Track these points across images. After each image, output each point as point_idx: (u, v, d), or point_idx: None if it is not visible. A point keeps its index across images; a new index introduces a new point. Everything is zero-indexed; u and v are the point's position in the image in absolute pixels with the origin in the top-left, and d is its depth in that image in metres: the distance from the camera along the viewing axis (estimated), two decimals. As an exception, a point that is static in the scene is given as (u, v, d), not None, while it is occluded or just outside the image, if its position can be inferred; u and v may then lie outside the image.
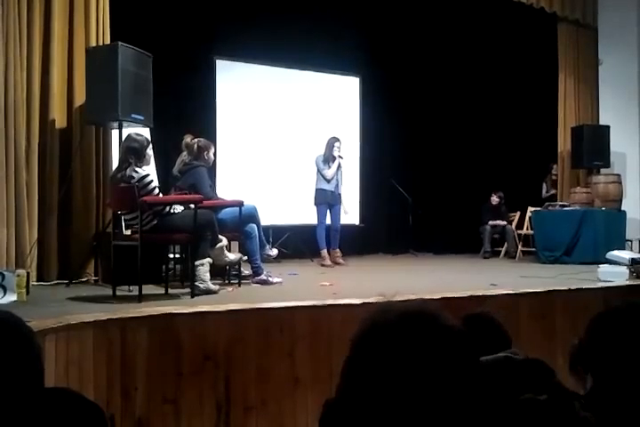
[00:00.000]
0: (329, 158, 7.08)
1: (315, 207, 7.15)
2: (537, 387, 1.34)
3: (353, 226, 8.51)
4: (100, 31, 5.35)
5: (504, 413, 1.16)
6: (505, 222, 8.76)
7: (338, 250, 7.17)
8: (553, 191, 8.87)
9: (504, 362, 1.50)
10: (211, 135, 6.95)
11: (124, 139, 4.59)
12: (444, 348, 0.97)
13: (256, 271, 5.03)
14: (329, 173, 7.04)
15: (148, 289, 4.20)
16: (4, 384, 1.09)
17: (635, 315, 1.26)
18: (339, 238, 7.15)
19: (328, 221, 7.13)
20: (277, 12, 7.76)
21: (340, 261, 7.10)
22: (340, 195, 7.21)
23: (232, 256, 4.77)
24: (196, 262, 4.29)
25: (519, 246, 8.50)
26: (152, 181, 4.29)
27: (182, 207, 4.42)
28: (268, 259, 5.50)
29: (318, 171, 7.10)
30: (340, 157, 7.10)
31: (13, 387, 1.09)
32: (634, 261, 5.42)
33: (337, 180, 7.13)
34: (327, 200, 7.08)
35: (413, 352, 0.96)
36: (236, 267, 5.04)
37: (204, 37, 7.57)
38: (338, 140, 7.14)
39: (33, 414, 1.11)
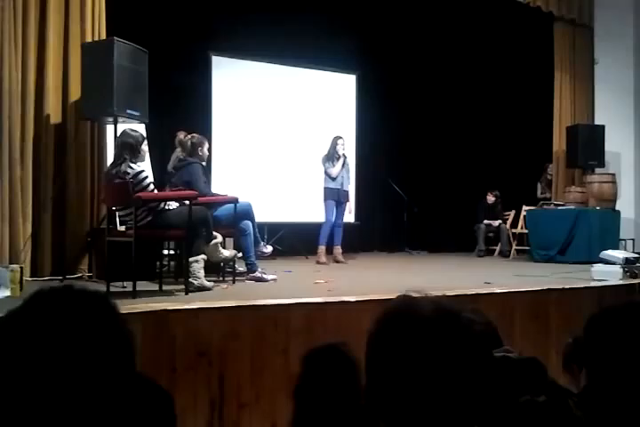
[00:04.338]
0: (333, 157, 7.09)
1: (320, 205, 7.15)
2: (534, 387, 1.35)
3: (348, 224, 8.50)
4: (96, 26, 5.33)
5: (505, 414, 1.17)
6: (499, 222, 8.79)
7: (339, 247, 7.16)
8: (548, 195, 8.87)
9: (501, 362, 1.50)
10: (206, 131, 6.94)
11: (119, 134, 4.57)
12: (471, 346, 0.98)
13: (250, 268, 5.03)
14: (334, 171, 7.05)
15: (142, 285, 4.18)
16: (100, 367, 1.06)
17: (632, 314, 1.26)
18: (341, 235, 7.15)
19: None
20: (274, 9, 7.74)
21: (341, 258, 7.10)
22: (346, 192, 7.22)
23: (226, 253, 4.75)
24: (191, 259, 4.29)
25: (513, 245, 8.52)
26: (147, 177, 4.27)
27: (177, 204, 4.41)
28: (262, 256, 5.49)
29: (324, 170, 7.11)
30: (344, 155, 7.11)
31: (108, 370, 1.07)
32: (627, 261, 5.43)
33: (343, 177, 7.14)
34: (334, 198, 7.08)
35: (441, 349, 0.97)
36: (231, 264, 5.03)
37: (200, 33, 7.56)
38: (340, 137, 7.17)
39: (120, 399, 1.09)
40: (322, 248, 7.06)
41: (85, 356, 1.03)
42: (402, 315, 1.04)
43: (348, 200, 7.27)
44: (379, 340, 1.05)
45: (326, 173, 7.09)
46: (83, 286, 1.14)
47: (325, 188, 7.11)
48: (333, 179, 7.06)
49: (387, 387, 1.01)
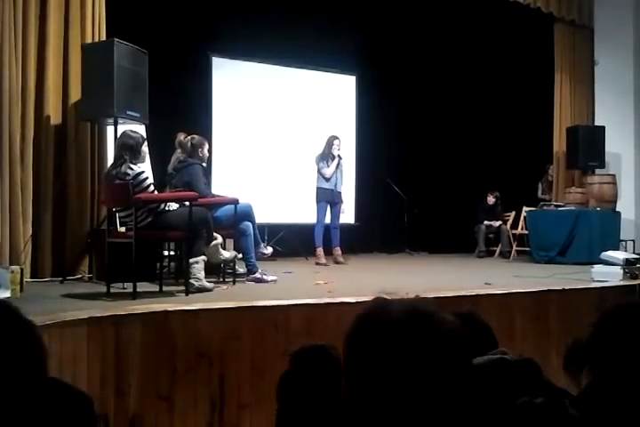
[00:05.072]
0: (327, 156, 7.07)
1: (315, 205, 7.14)
2: (530, 388, 1.35)
3: (348, 225, 8.50)
4: (96, 27, 5.33)
5: (502, 416, 1.16)
6: (499, 223, 8.79)
7: (338, 248, 7.15)
8: (548, 197, 8.86)
9: (497, 363, 1.50)
10: (206, 133, 6.94)
11: (119, 135, 4.57)
12: (442, 346, 0.97)
13: (251, 269, 5.03)
14: (328, 171, 7.03)
15: (143, 286, 4.18)
16: (6, 372, 1.07)
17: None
18: (339, 236, 7.15)
19: (327, 220, 7.12)
20: (274, 10, 7.75)
21: (341, 259, 7.09)
22: (340, 193, 7.20)
23: (227, 254, 4.76)
24: (191, 260, 4.28)
25: (514, 246, 8.52)
26: (147, 178, 4.27)
27: (177, 205, 4.40)
28: (262, 257, 5.49)
29: (318, 169, 7.09)
30: (339, 156, 7.09)
31: (15, 375, 1.08)
32: (628, 262, 5.43)
33: (336, 178, 7.13)
34: (327, 198, 7.07)
35: (412, 349, 0.96)
36: (231, 265, 5.03)
37: (201, 34, 7.56)
38: (337, 138, 7.13)
39: (30, 403, 1.10)
40: (319, 250, 7.05)
41: None
42: (373, 317, 1.04)
43: (341, 201, 7.25)
44: (352, 343, 1.04)
45: (320, 172, 7.06)
46: None
47: (319, 188, 7.08)
48: (327, 179, 7.04)
49: (361, 389, 1.00)
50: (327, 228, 7.11)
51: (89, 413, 1.25)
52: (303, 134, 8.38)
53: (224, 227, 4.91)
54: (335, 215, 7.16)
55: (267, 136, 8.27)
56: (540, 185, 9.17)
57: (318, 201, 7.09)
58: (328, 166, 7.04)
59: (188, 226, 4.17)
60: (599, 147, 8.33)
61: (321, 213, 7.07)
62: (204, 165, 5.40)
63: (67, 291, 4.23)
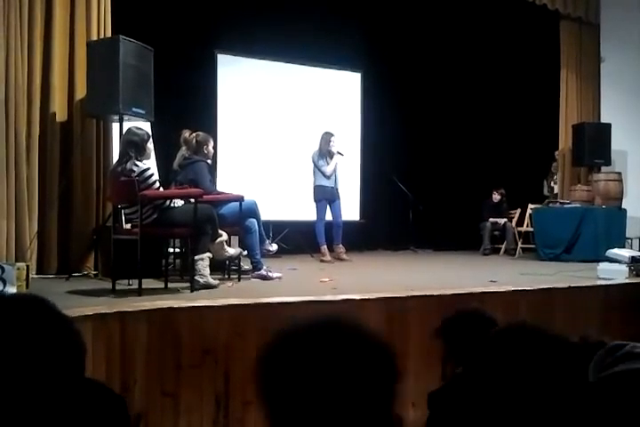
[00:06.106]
0: (325, 154, 7.05)
1: (314, 203, 7.14)
2: None
3: (353, 222, 8.50)
4: (102, 24, 5.34)
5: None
6: (505, 220, 8.77)
7: (341, 246, 7.15)
8: (553, 194, 8.83)
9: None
10: (211, 130, 6.94)
11: (124, 132, 4.58)
12: (346, 358, 0.96)
13: (256, 266, 5.03)
14: (328, 169, 7.01)
15: (148, 283, 4.19)
16: (47, 369, 1.07)
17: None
18: (341, 234, 7.14)
19: (328, 217, 7.12)
20: (279, 7, 7.74)
21: (344, 256, 7.08)
22: (337, 190, 7.20)
23: (232, 251, 4.77)
24: (196, 257, 4.29)
25: (519, 244, 8.50)
26: (152, 174, 4.28)
27: (182, 201, 4.41)
28: (267, 254, 5.49)
29: (316, 167, 7.08)
30: (339, 153, 7.08)
31: (55, 371, 1.08)
32: (634, 260, 5.41)
33: (335, 175, 7.12)
34: (326, 196, 7.06)
35: (318, 363, 0.95)
36: (236, 262, 5.03)
37: (206, 32, 7.56)
38: (332, 135, 7.11)
39: (69, 401, 1.09)
40: (323, 247, 7.03)
41: (24, 363, 1.04)
42: (280, 333, 1.03)
43: (339, 198, 7.22)
44: (264, 359, 1.02)
45: (320, 170, 7.03)
46: (16, 294, 1.16)
47: (318, 186, 7.04)
48: (327, 177, 7.03)
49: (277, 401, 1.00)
50: (329, 225, 7.11)
51: (123, 414, 1.25)
52: (308, 131, 8.36)
53: (229, 224, 4.92)
54: (338, 213, 7.15)
55: (272, 133, 8.27)
56: (545, 182, 9.14)
57: (318, 200, 7.07)
58: (328, 164, 7.04)
59: (194, 223, 4.18)
60: (605, 144, 8.29)
61: (322, 212, 7.06)
62: (209, 162, 5.40)
63: (72, 287, 4.24)
